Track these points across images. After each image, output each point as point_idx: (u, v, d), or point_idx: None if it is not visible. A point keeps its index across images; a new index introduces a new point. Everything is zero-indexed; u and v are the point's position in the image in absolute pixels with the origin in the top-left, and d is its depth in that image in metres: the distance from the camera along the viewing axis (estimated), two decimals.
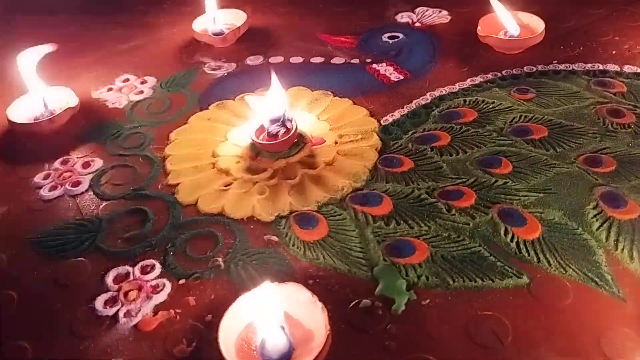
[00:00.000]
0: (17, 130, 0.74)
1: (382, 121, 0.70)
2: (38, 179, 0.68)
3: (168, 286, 0.53)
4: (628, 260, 0.50)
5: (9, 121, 0.73)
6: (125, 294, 0.53)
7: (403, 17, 0.91)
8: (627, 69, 0.73)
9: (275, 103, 0.66)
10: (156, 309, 0.52)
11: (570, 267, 0.50)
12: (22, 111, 0.75)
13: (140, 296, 0.53)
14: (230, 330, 0.46)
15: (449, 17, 0.90)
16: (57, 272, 0.56)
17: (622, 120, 0.65)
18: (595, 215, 0.54)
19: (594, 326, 0.46)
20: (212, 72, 0.84)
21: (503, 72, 0.75)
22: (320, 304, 0.46)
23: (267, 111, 0.67)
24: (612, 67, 0.74)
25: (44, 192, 0.66)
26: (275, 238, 0.57)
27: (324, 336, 0.44)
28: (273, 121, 0.66)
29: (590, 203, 0.56)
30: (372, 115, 0.71)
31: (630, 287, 0.48)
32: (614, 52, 0.77)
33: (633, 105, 0.67)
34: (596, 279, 0.49)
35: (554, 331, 0.46)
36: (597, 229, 0.53)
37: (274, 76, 0.67)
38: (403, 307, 0.49)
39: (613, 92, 0.70)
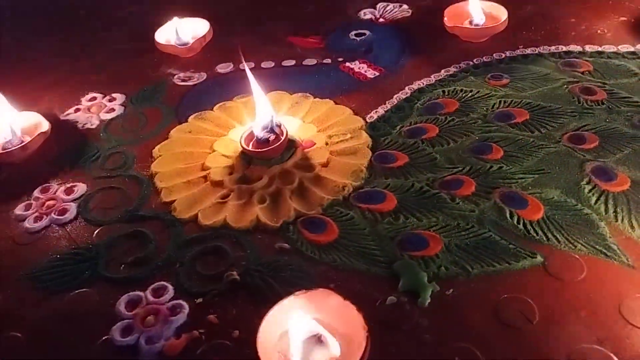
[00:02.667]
0: None
1: (367, 118, 0.71)
2: (19, 210, 0.65)
3: (186, 307, 0.52)
4: (629, 229, 0.53)
5: None
6: (142, 319, 0.51)
7: (366, 14, 0.92)
8: (589, 48, 0.77)
9: (261, 109, 0.66)
10: (178, 332, 0.50)
11: (578, 242, 0.52)
12: None
13: (159, 320, 0.51)
14: (266, 345, 0.45)
15: (410, 11, 0.92)
16: (62, 306, 0.54)
17: (595, 97, 0.69)
18: (590, 190, 0.57)
19: (612, 295, 0.48)
20: (183, 83, 0.82)
21: (475, 61, 0.78)
22: (353, 306, 0.46)
23: (255, 118, 0.66)
24: (575, 48, 0.78)
25: (29, 224, 0.63)
26: (286, 245, 0.56)
27: (364, 337, 0.44)
28: (262, 128, 0.66)
29: (583, 179, 0.58)
30: (356, 114, 0.72)
31: (636, 254, 0.51)
32: (573, 33, 0.81)
33: (602, 82, 0.71)
34: (605, 251, 0.51)
35: (576, 305, 0.48)
36: (595, 203, 0.56)
37: (253, 82, 0.67)
38: (429, 300, 0.49)
39: (581, 71, 0.73)
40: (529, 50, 0.78)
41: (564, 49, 0.78)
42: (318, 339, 0.45)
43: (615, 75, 0.72)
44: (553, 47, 0.78)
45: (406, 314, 0.49)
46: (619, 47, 0.76)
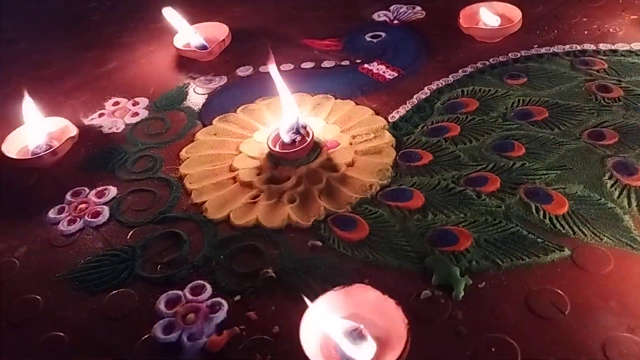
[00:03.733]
0: (18, 166, 0.71)
1: (389, 118, 0.72)
2: (52, 214, 0.66)
3: (225, 304, 0.54)
4: None
5: (7, 157, 0.71)
6: (183, 317, 0.53)
7: (380, 16, 0.94)
8: (602, 46, 0.79)
9: (287, 111, 0.68)
10: (219, 329, 0.52)
11: (604, 235, 0.54)
12: (17, 146, 0.73)
13: (199, 317, 0.53)
14: (309, 339, 0.47)
15: (424, 13, 0.94)
16: (102, 306, 0.56)
17: (612, 94, 0.70)
18: (612, 185, 0.59)
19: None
20: (204, 86, 0.84)
21: (491, 60, 0.79)
22: (392, 300, 0.48)
23: (281, 120, 0.68)
24: (589, 47, 0.79)
25: (63, 227, 0.64)
26: (319, 243, 0.58)
27: (405, 330, 0.46)
28: (288, 130, 0.67)
29: (605, 174, 0.60)
30: (377, 114, 0.73)
31: None
32: (585, 32, 0.83)
33: (617, 80, 0.73)
34: (630, 243, 0.53)
35: (605, 296, 0.49)
36: (618, 197, 0.58)
37: (281, 83, 0.68)
38: (462, 293, 0.51)
39: (596, 69, 0.75)
40: (543, 50, 0.80)
41: (578, 47, 0.79)
42: (359, 333, 0.47)
43: (630, 73, 0.73)
44: (567, 46, 0.80)
45: (441, 307, 0.51)
46: (632, 45, 0.78)
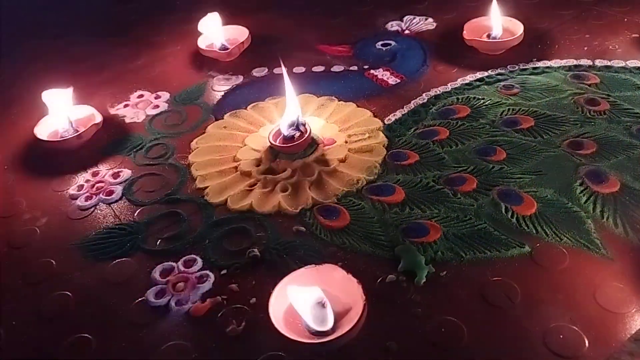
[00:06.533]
0: (47, 147, 0.79)
1: (385, 120, 0.77)
2: (73, 190, 0.74)
3: (211, 276, 0.60)
4: (613, 227, 0.58)
5: (38, 139, 0.79)
6: (174, 285, 0.59)
7: (393, 26, 0.99)
8: (598, 62, 0.82)
9: (290, 108, 0.73)
10: (204, 297, 0.58)
11: (564, 236, 0.58)
12: (48, 129, 0.81)
13: (188, 287, 0.59)
14: (277, 308, 0.52)
15: (435, 24, 0.98)
16: (106, 272, 0.62)
17: (598, 108, 0.74)
18: (582, 191, 0.62)
19: (589, 283, 0.53)
20: (222, 84, 0.90)
21: (489, 71, 0.83)
22: (354, 279, 0.53)
23: (284, 117, 0.74)
24: (585, 62, 0.82)
25: (80, 202, 0.72)
26: (303, 229, 0.63)
27: (361, 305, 0.50)
28: (289, 125, 0.73)
29: (577, 181, 0.64)
30: (375, 116, 0.78)
31: (616, 249, 0.56)
32: (585, 48, 0.86)
33: (606, 94, 0.76)
34: (588, 244, 0.57)
35: (555, 290, 0.53)
36: (584, 202, 0.61)
37: (289, 84, 0.74)
38: (424, 279, 0.56)
39: (588, 83, 0.78)
40: (540, 63, 0.83)
41: (575, 62, 0.83)
42: (322, 305, 0.52)
43: (620, 88, 0.76)
44: (564, 61, 0.83)
45: (402, 290, 0.55)
46: (628, 62, 0.81)
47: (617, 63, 0.81)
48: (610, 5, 0.95)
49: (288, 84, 0.74)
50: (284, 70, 0.75)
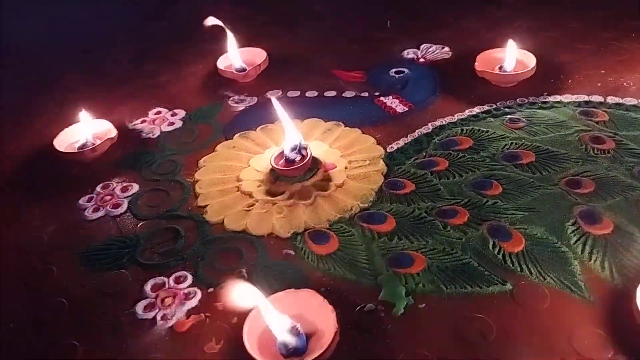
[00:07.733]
0: (64, 158, 0.83)
1: (387, 148, 0.78)
2: (82, 201, 0.77)
3: (199, 294, 0.61)
4: (600, 269, 0.57)
5: (56, 150, 0.83)
6: (162, 300, 0.61)
7: (409, 54, 1.00)
8: (610, 99, 0.81)
9: (289, 133, 0.75)
10: (189, 313, 0.60)
11: (548, 276, 0.57)
12: (67, 141, 0.85)
13: (175, 302, 0.61)
14: (253, 330, 0.54)
15: (450, 53, 0.99)
16: (101, 282, 0.65)
17: (603, 146, 0.73)
18: (573, 231, 0.62)
19: (567, 325, 0.53)
20: (235, 104, 0.93)
21: (497, 104, 0.83)
22: (330, 307, 0.54)
23: (286, 140, 0.75)
24: (597, 98, 0.81)
25: (88, 213, 0.75)
26: (292, 252, 0.65)
27: (332, 333, 0.51)
28: (291, 149, 0.75)
29: (569, 220, 0.63)
30: (379, 144, 0.79)
31: (599, 292, 0.55)
32: (599, 84, 0.85)
33: (613, 133, 0.75)
34: (571, 286, 0.56)
35: (531, 330, 0.53)
36: (574, 243, 0.60)
37: (280, 110, 0.76)
38: (402, 310, 0.56)
39: (596, 120, 0.77)
40: (550, 98, 0.83)
41: (586, 98, 0.82)
42: (296, 330, 0.53)
43: (628, 127, 0.75)
44: (575, 96, 0.82)
45: (379, 320, 0.56)
46: None
47: (629, 101, 0.80)
48: (631, 42, 0.94)
49: (281, 111, 0.76)
50: (275, 102, 0.77)
